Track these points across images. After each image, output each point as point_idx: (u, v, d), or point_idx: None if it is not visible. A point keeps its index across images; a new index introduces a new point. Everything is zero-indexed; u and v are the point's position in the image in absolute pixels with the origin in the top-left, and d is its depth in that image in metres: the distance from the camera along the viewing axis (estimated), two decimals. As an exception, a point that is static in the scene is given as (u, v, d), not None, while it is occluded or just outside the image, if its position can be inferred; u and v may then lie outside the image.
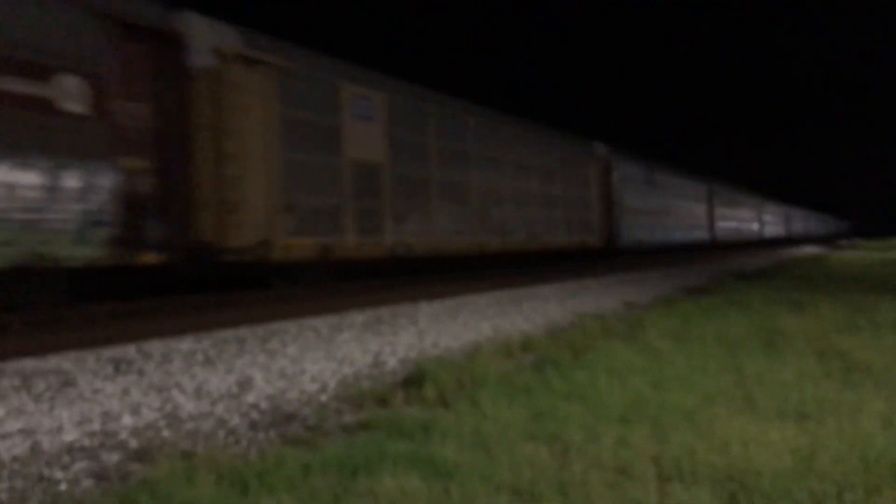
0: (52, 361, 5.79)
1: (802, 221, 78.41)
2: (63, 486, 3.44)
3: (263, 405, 4.92)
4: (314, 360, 6.28)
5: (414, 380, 5.56)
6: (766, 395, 4.74)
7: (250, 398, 5.03)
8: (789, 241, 65.61)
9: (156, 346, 6.53)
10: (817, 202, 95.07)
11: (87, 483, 3.51)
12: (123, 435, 4.16)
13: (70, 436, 4.08)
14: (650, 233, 28.42)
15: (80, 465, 3.70)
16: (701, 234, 36.94)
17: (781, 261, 30.12)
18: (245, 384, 5.36)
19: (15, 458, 3.73)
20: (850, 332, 7.47)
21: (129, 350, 6.34)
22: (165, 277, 10.02)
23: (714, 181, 40.88)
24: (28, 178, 7.45)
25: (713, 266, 23.93)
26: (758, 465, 3.32)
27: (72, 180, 7.84)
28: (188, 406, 4.76)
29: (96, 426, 4.26)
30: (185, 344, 6.70)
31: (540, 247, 20.06)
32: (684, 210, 33.91)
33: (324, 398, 5.18)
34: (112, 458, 3.84)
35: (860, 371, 5.51)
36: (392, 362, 6.40)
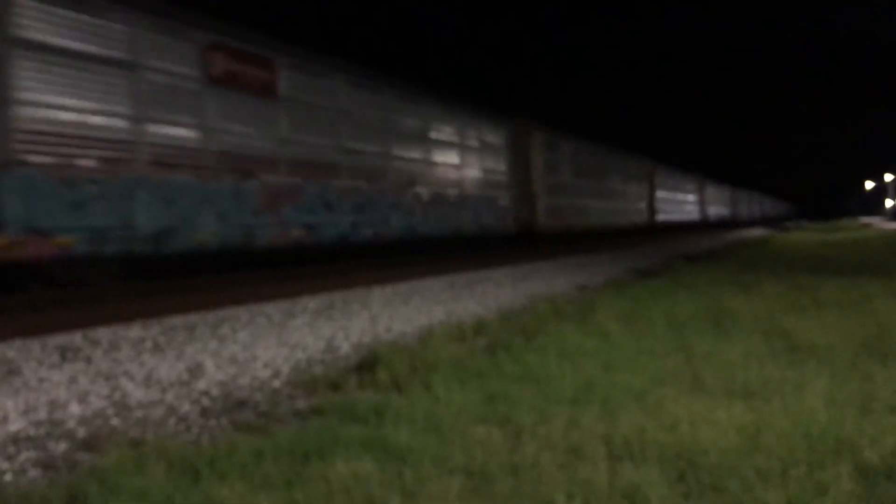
0: (-4, 350, 5.67)
1: (728, 202, 62.73)
2: (8, 477, 3.37)
3: (214, 392, 4.87)
4: (266, 346, 6.24)
5: (367, 365, 5.56)
6: (713, 374, 4.83)
7: (201, 385, 4.98)
8: (707, 226, 50.55)
9: (103, 334, 6.42)
10: (763, 184, 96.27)
11: (33, 473, 3.44)
12: (71, 424, 4.09)
13: (15, 425, 4.00)
14: (325, 214, 13.21)
15: (27, 455, 3.63)
16: (490, 219, 20.19)
17: (728, 243, 30.65)
18: (195, 371, 5.30)
19: (-43, 450, 3.64)
20: (794, 311, 7.64)
21: (76, 337, 6.23)
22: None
23: (551, 128, 24.61)
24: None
25: (663, 249, 24.28)
26: (705, 444, 3.38)
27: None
28: (137, 394, 4.70)
29: (42, 415, 4.18)
30: (134, 331, 6.60)
31: None
32: (442, 173, 17.76)
33: (276, 384, 5.15)
34: (59, 447, 3.77)
35: (804, 350, 5.64)
36: (345, 347, 6.38)
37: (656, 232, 37.11)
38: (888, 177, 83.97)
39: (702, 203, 50.32)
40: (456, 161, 18.47)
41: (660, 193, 38.71)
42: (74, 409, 4.33)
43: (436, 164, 17.37)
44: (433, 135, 17.37)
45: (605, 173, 30.47)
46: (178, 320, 7.23)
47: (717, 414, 3.85)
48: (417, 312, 8.38)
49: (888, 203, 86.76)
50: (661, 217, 38.66)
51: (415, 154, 16.54)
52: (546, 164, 23.72)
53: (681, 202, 44.76)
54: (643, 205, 36.08)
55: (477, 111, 19.99)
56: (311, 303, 8.82)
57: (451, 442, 3.59)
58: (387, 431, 3.76)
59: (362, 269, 13.66)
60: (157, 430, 4.06)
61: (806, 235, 40.06)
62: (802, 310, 7.79)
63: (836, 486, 2.89)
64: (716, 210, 55.49)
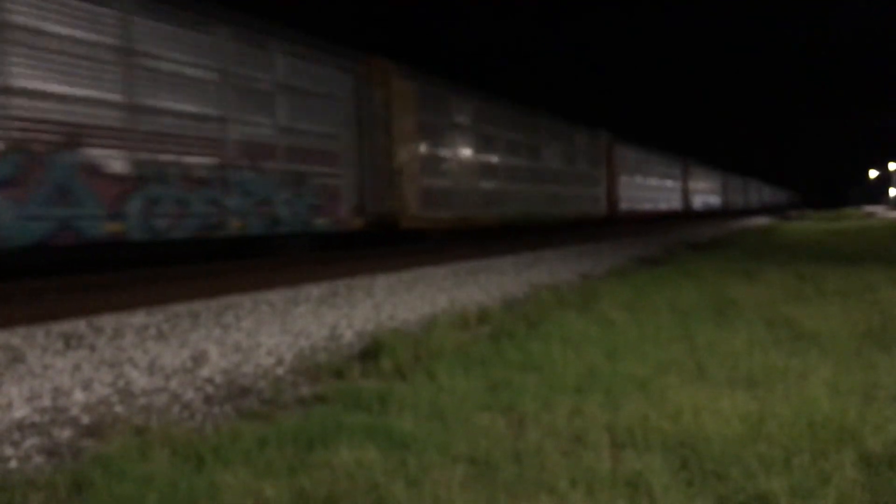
0: (0, 337, 5.68)
1: (720, 190, 54.32)
2: (13, 464, 3.39)
3: (218, 379, 4.88)
4: (270, 333, 6.24)
5: (370, 352, 5.57)
6: (716, 363, 4.83)
7: (205, 372, 4.99)
8: (690, 217, 43.12)
9: (107, 321, 6.42)
10: (765, 172, 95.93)
11: (38, 460, 3.46)
12: (75, 411, 4.10)
13: (20, 412, 4.01)
14: None
15: (31, 441, 3.65)
16: (298, 209, 12.46)
17: (733, 231, 30.61)
18: (199, 358, 5.31)
19: (-38, 436, 3.65)
20: (798, 300, 7.63)
21: (80, 325, 6.23)
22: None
23: (432, 76, 17.26)
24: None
25: (667, 237, 24.23)
26: (708, 432, 3.38)
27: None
28: (141, 381, 4.71)
29: (47, 402, 4.19)
30: (138, 318, 6.60)
31: None
32: (168, 127, 10.19)
33: (280, 371, 5.16)
34: (64, 434, 3.78)
35: (807, 339, 5.64)
36: (348, 335, 6.39)
37: (619, 224, 30.10)
38: (892, 165, 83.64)
39: (685, 190, 43.00)
40: (203, 109, 10.69)
41: (625, 177, 31.30)
42: (78, 396, 4.34)
43: (146, 109, 9.83)
44: (135, 59, 9.77)
45: (534, 147, 22.61)
46: (181, 308, 7.23)
47: (721, 402, 3.85)
48: (421, 300, 8.38)
49: (892, 192, 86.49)
50: (625, 206, 31.17)
51: (74, 86, 9.02)
52: (424, 129, 16.25)
53: (655, 188, 36.96)
54: (598, 191, 28.42)
55: (265, 33, 12.13)
56: (315, 290, 8.82)
57: (454, 429, 3.60)
58: (390, 419, 3.77)
59: (365, 257, 13.67)
60: (160, 418, 4.08)
61: (809, 224, 39.99)
62: (806, 299, 7.78)
63: (839, 474, 2.89)
64: (703, 199, 48.44)
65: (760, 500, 2.75)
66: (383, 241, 15.61)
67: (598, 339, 5.70)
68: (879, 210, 75.12)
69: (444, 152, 17.31)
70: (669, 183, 39.69)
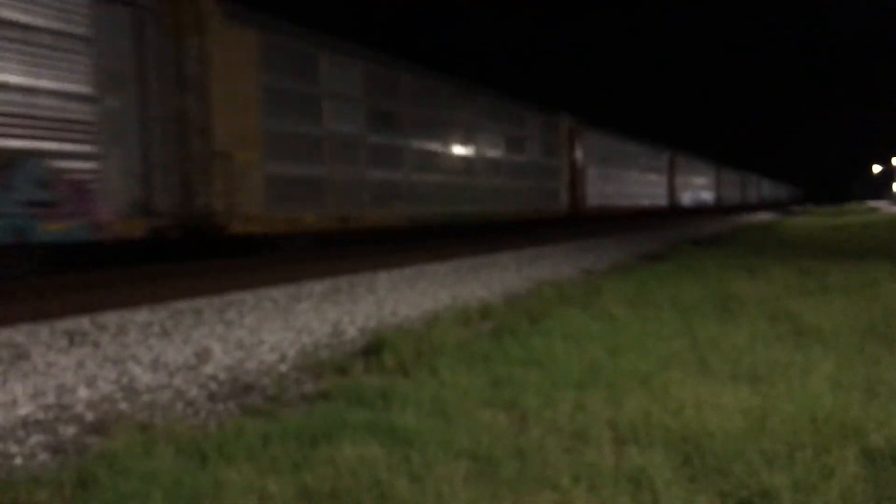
0: (4, 334, 5.69)
1: (713, 185, 50.09)
2: (18, 461, 3.40)
3: (222, 376, 4.89)
4: (272, 330, 6.25)
5: (373, 349, 5.57)
6: (719, 358, 4.83)
7: (208, 369, 5.00)
8: (676, 215, 39.26)
9: (111, 318, 6.44)
10: (766, 167, 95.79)
11: (43, 457, 3.47)
12: (79, 408, 4.11)
13: (24, 409, 4.02)
14: None
15: (36, 438, 3.66)
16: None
17: (734, 227, 30.57)
18: (203, 355, 5.32)
19: (-33, 434, 3.67)
20: (800, 296, 7.63)
21: (84, 322, 6.24)
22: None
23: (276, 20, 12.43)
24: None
25: (668, 233, 24.21)
26: (711, 427, 3.39)
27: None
28: (145, 378, 4.72)
29: (51, 399, 4.20)
30: (141, 315, 6.62)
31: None
32: None
33: (283, 368, 5.17)
34: (68, 431, 3.80)
35: (810, 334, 5.64)
36: (351, 331, 6.40)
37: (584, 223, 26.46)
38: (895, 160, 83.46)
39: (671, 185, 38.95)
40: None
41: (594, 169, 27.18)
42: (83, 393, 4.36)
43: None
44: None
45: (463, 129, 18.38)
46: (184, 305, 7.25)
47: (723, 398, 3.85)
48: (423, 297, 8.39)
49: (895, 187, 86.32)
50: (594, 202, 27.22)
51: None
52: (273, 96, 12.07)
53: (634, 182, 32.91)
54: (557, 184, 24.32)
55: None
56: (317, 287, 8.82)
57: (457, 426, 3.60)
58: (393, 415, 3.78)
59: (367, 254, 13.66)
60: (165, 414, 4.09)
61: (812, 219, 39.91)
62: (809, 294, 7.77)
63: (841, 469, 2.90)
64: (693, 195, 44.08)
65: (763, 496, 2.76)
66: (188, 254, 11.27)
67: (600, 335, 5.70)
68: (882, 205, 75.03)
69: (311, 130, 12.98)
70: (653, 176, 35.91)
